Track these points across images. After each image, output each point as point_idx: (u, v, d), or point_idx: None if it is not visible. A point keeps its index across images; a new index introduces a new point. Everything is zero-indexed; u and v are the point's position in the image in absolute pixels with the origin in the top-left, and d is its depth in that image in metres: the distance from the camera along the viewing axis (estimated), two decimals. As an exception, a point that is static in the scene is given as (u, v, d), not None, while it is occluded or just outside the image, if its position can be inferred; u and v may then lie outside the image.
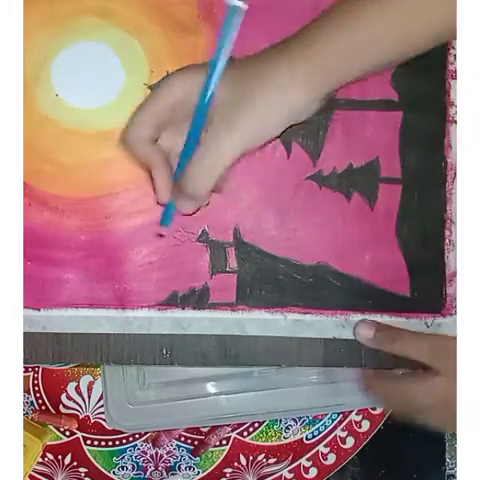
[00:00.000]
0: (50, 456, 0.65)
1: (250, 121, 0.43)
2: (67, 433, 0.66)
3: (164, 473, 0.66)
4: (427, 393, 0.50)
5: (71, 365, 0.64)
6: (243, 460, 0.66)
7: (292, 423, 0.67)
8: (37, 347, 0.52)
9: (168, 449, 0.66)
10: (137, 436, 0.66)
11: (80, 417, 0.66)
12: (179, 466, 0.66)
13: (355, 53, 0.44)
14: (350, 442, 0.67)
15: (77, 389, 0.66)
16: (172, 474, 0.66)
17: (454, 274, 0.53)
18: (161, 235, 0.51)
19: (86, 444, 0.66)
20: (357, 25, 0.43)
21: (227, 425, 0.66)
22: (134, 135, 0.45)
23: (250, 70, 0.44)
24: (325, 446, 0.67)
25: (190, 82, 0.44)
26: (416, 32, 0.44)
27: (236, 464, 0.66)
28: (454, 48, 0.54)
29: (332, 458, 0.67)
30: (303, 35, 0.44)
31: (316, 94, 0.44)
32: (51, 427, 0.65)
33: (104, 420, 0.64)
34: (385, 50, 0.44)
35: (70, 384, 0.66)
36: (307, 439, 0.67)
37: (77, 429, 0.65)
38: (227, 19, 0.40)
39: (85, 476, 0.66)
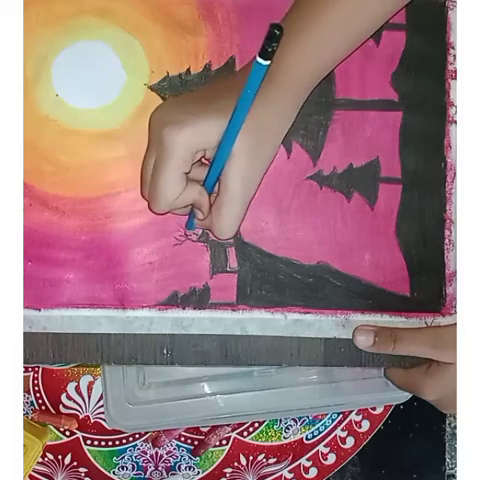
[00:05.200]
0: (50, 456, 0.65)
1: (263, 168, 0.47)
2: (67, 433, 0.66)
3: (164, 473, 0.66)
4: (437, 388, 0.51)
5: (71, 365, 0.64)
6: (243, 460, 0.66)
7: (292, 423, 0.67)
8: (37, 347, 0.52)
9: (168, 449, 0.66)
10: (137, 436, 0.66)
11: (80, 417, 0.66)
12: (179, 466, 0.66)
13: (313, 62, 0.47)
14: (350, 442, 0.67)
15: (77, 389, 0.66)
16: (172, 474, 0.66)
17: (454, 274, 0.53)
18: (187, 235, 0.52)
19: (86, 444, 0.66)
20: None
21: (227, 425, 0.66)
22: (166, 200, 0.46)
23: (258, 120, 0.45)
24: (325, 446, 0.67)
25: (203, 132, 0.44)
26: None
27: (236, 464, 0.66)
28: (454, 48, 0.54)
29: (332, 458, 0.67)
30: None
31: (299, 105, 0.48)
32: (51, 427, 0.65)
33: (104, 420, 0.64)
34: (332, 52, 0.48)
35: (70, 384, 0.66)
36: (307, 439, 0.67)
37: (77, 429, 0.65)
38: (252, 75, 0.40)
39: (85, 476, 0.66)
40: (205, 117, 0.44)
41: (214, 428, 0.65)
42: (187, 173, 0.45)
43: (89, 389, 0.66)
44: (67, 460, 0.66)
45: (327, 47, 0.47)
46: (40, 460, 0.65)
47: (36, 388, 0.65)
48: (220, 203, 0.46)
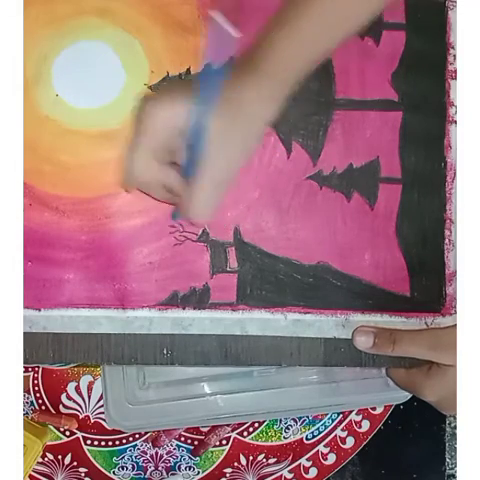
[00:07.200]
0: (50, 456, 0.65)
1: (237, 149, 0.45)
2: (67, 433, 0.66)
3: (164, 473, 0.66)
4: (437, 389, 0.51)
5: (71, 365, 0.64)
6: (243, 460, 0.66)
7: (292, 423, 0.67)
8: (37, 347, 0.52)
9: (168, 449, 0.66)
10: (137, 436, 0.66)
11: (80, 417, 0.66)
12: (179, 466, 0.66)
13: (302, 50, 0.46)
14: (350, 442, 0.67)
15: (77, 389, 0.66)
16: (172, 474, 0.66)
17: (454, 274, 0.53)
18: (172, 226, 0.52)
19: (86, 444, 0.66)
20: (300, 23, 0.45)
21: (227, 425, 0.66)
22: (131, 175, 0.45)
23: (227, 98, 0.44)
24: (325, 446, 0.67)
25: (180, 109, 0.43)
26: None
27: (236, 464, 0.66)
28: (454, 48, 0.54)
29: (332, 458, 0.67)
30: (254, 49, 0.45)
31: (284, 93, 0.45)
32: (51, 427, 0.65)
33: (104, 420, 0.64)
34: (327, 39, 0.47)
35: (70, 384, 0.66)
36: (307, 439, 0.67)
37: (77, 429, 0.65)
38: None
39: (85, 476, 0.66)
40: (184, 95, 0.43)
41: (214, 428, 0.65)
42: (161, 156, 0.44)
43: (89, 389, 0.66)
44: (67, 460, 0.66)
45: (317, 38, 0.46)
46: (40, 460, 0.65)
47: (36, 388, 0.65)
48: (194, 184, 0.45)
